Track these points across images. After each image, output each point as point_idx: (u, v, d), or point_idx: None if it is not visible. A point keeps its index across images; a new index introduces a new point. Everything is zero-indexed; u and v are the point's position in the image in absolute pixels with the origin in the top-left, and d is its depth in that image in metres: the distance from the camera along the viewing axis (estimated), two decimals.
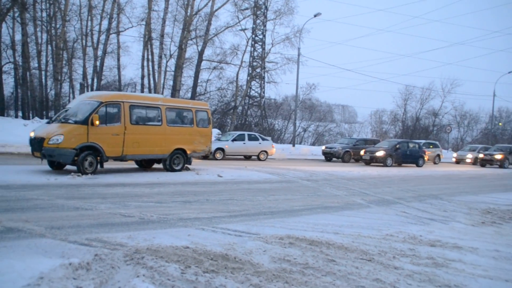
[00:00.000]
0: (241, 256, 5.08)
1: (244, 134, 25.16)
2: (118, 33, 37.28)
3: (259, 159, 25.00)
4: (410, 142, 28.79)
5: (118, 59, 38.46)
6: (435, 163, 32.25)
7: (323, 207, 9.38)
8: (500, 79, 67.52)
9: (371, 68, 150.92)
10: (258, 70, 46.27)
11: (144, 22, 36.16)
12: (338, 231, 6.92)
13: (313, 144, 50.99)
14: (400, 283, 4.58)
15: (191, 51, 39.34)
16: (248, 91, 46.18)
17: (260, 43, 46.48)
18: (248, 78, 45.45)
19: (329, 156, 28.78)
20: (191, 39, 37.07)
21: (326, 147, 29.95)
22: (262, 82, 46.96)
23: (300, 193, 11.41)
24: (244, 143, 24.33)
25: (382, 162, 25.15)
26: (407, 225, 7.89)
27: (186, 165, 15.27)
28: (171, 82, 37.86)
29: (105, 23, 36.63)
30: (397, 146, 26.31)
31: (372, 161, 25.59)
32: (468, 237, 7.15)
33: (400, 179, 17.02)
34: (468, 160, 34.72)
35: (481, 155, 32.99)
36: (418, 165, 26.84)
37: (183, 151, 14.96)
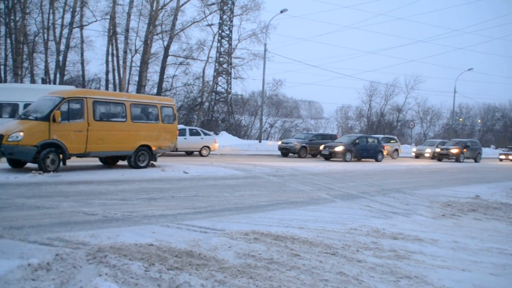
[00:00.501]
0: (206, 252, 5.07)
1: (185, 129, 23.74)
2: (81, 27, 36.47)
3: (201, 154, 24.00)
4: (369, 137, 28.84)
5: (82, 54, 37.70)
6: (393, 157, 32.45)
7: (288, 202, 9.44)
8: (461, 76, 69.50)
9: (337, 64, 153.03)
10: (224, 65, 46.20)
11: (108, 16, 35.50)
12: (303, 226, 6.98)
13: (280, 139, 51.26)
14: (363, 275, 4.66)
15: (157, 46, 38.96)
16: (215, 87, 46.06)
17: (227, 39, 46.39)
18: (215, 73, 45.32)
19: (285, 152, 28.11)
20: (156, 34, 36.65)
21: (282, 142, 29.26)
22: (229, 78, 46.93)
23: (266, 188, 11.46)
24: (185, 138, 23.02)
25: (341, 157, 24.99)
26: (371, 218, 8.03)
27: (151, 162, 15.10)
28: (136, 78, 37.39)
29: (67, 16, 35.80)
30: (356, 141, 26.28)
31: (331, 156, 25.38)
32: (429, 229, 7.34)
33: (364, 174, 17.29)
34: (427, 155, 35.26)
35: (438, 150, 33.53)
36: (377, 160, 26.81)
37: (149, 147, 14.78)
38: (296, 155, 27.53)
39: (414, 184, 14.54)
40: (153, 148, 14.92)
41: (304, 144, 27.68)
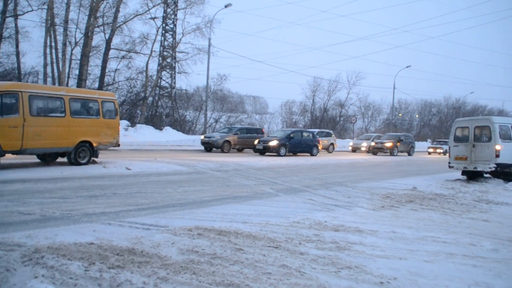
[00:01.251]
0: (149, 249, 5.00)
1: None
2: (15, 16, 34.66)
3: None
4: (304, 131, 28.99)
5: (17, 45, 35.83)
6: (329, 151, 32.75)
7: (232, 197, 9.47)
8: (400, 73, 72.19)
9: (281, 60, 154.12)
10: (168, 60, 45.55)
11: (46, 6, 33.91)
12: (247, 220, 7.03)
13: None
14: (305, 267, 4.75)
15: (98, 39, 37.78)
16: (159, 81, 45.34)
17: (171, 33, 45.76)
18: (159, 68, 44.57)
19: (208, 146, 26.97)
20: (98, 26, 35.54)
21: (205, 137, 27.99)
22: (173, 72, 46.32)
23: (210, 184, 11.44)
24: None
25: (275, 151, 24.80)
26: (314, 211, 8.19)
27: (92, 158, 14.69)
28: (77, 72, 36.08)
29: (0, 4, 33.88)
30: (291, 135, 26.18)
31: (266, 150, 25.13)
32: (369, 221, 7.57)
33: (308, 168, 17.62)
34: (363, 149, 36.03)
35: (372, 143, 34.51)
36: (312, 154, 26.94)
37: (89, 143, 14.36)
38: (219, 149, 26.45)
39: (356, 177, 14.97)
40: (94, 144, 14.51)
41: (227, 139, 26.70)
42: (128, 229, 6.14)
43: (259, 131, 29.49)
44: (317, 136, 30.05)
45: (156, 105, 46.59)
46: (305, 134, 27.78)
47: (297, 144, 26.28)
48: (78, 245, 4.95)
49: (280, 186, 11.54)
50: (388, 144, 33.10)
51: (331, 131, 36.99)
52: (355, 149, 36.95)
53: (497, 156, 14.12)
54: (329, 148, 33.06)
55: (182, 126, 45.06)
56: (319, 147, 28.19)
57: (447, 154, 37.44)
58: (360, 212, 8.41)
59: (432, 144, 46.61)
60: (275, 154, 24.94)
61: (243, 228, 6.37)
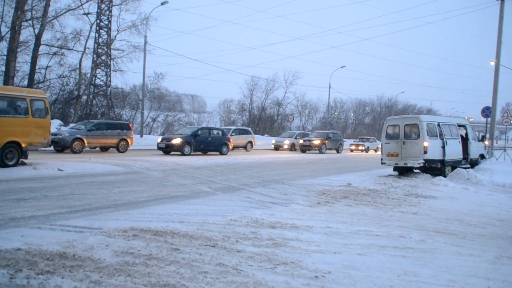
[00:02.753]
0: (81, 252, 4.84)
1: None
2: None
3: None
4: (213, 128, 27.81)
5: None
6: (247, 150, 31.81)
7: (169, 197, 9.35)
8: (335, 72, 74.23)
9: (219, 58, 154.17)
10: (103, 57, 44.24)
11: None
12: (184, 220, 6.96)
13: (162, 134, 50.43)
14: (242, 265, 4.77)
15: (27, 33, 35.85)
16: (93, 79, 43.93)
17: (106, 29, 44.47)
18: (93, 65, 43.15)
19: (57, 146, 22.17)
20: (26, 20, 33.72)
21: (53, 134, 20.71)
22: (108, 70, 45.05)
23: (147, 183, 11.22)
24: None
25: (179, 150, 23.20)
26: (251, 209, 8.24)
27: (21, 160, 13.99)
28: (3, 68, 34.12)
29: None
30: (198, 132, 24.83)
31: (169, 149, 23.38)
32: (305, 217, 7.71)
33: (246, 167, 17.70)
34: (285, 146, 35.36)
35: (301, 141, 33.76)
36: (221, 153, 25.74)
37: (17, 144, 13.67)
38: (68, 149, 22.00)
39: (293, 174, 15.21)
40: (23, 145, 13.82)
41: (79, 136, 22.06)
42: (59, 233, 5.90)
43: (125, 127, 25.13)
44: (230, 134, 29.36)
45: (90, 104, 45.14)
46: (214, 131, 26.50)
47: (204, 142, 24.92)
48: (4, 251, 4.71)
49: (217, 185, 11.52)
50: (316, 142, 32.86)
51: (249, 129, 35.98)
52: (277, 147, 36.24)
53: (425, 152, 14.81)
54: (247, 147, 32.06)
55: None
56: (230, 146, 26.68)
57: (370, 151, 38.92)
58: (297, 208, 8.55)
59: (354, 141, 46.70)
60: (179, 153, 23.36)
61: (180, 227, 6.30)
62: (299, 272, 4.63)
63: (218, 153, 25.78)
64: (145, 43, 36.08)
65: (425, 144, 14.82)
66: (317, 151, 32.89)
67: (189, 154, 23.39)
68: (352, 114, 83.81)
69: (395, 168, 16.67)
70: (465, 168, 16.12)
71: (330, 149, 34.50)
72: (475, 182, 13.77)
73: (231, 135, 29.45)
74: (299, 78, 68.46)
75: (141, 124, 39.06)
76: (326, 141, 33.59)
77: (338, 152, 35.34)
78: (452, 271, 4.93)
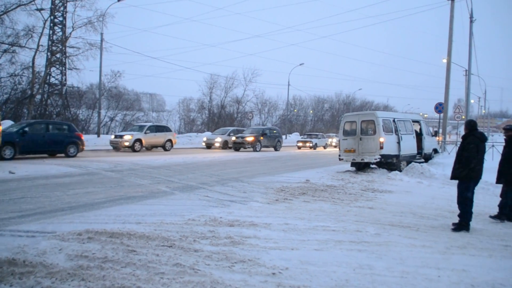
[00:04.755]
0: (32, 258, 4.69)
1: None
2: None
3: None
4: (54, 123, 22.22)
5: None
6: (166, 149, 27.98)
7: (126, 198, 9.18)
8: (294, 70, 74.98)
9: (177, 56, 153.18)
10: (58, 55, 42.84)
11: None
12: (141, 221, 6.85)
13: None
14: (199, 264, 4.74)
15: None
16: (47, 78, 42.54)
17: (60, 26, 43.05)
18: (47, 63, 41.70)
19: None
20: None
21: None
22: (63, 68, 43.67)
23: (103, 185, 10.99)
24: None
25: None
26: (209, 208, 8.20)
27: None
28: None
29: None
30: (25, 129, 18.34)
31: None
32: (263, 214, 7.75)
33: (205, 165, 17.61)
34: (217, 144, 32.69)
35: (233, 138, 31.33)
36: (68, 155, 19.62)
37: None
38: None
39: (252, 172, 15.24)
40: None
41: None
42: (9, 238, 5.69)
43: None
44: (145, 131, 26.43)
45: (45, 104, 43.71)
46: (53, 126, 19.95)
47: (36, 142, 18.55)
48: None
49: (176, 184, 11.41)
50: (250, 139, 30.11)
51: (168, 126, 32.70)
52: (209, 145, 33.24)
53: (381, 148, 15.14)
54: (165, 146, 28.04)
55: (74, 125, 42.70)
56: (82, 145, 20.41)
57: (319, 148, 38.71)
58: (255, 206, 8.58)
59: (302, 138, 43.90)
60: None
61: (137, 228, 6.21)
62: (256, 269, 4.64)
63: (63, 154, 19.75)
64: (102, 40, 35.25)
65: (381, 139, 15.14)
66: (251, 149, 30.38)
67: (11, 158, 17.35)
68: (311, 111, 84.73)
69: (353, 164, 16.96)
70: (420, 162, 16.62)
71: (266, 146, 32.11)
72: (428, 176, 14.20)
73: (145, 133, 26.56)
74: (258, 76, 68.84)
75: (98, 124, 38.19)
76: (262, 138, 31.03)
77: (276, 149, 32.80)
78: (405, 262, 5.07)
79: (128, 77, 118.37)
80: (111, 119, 52.18)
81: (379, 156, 15.21)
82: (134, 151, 25.37)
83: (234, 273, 4.51)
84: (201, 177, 13.13)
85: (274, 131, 34.24)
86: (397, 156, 15.90)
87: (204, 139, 34.58)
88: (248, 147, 30.41)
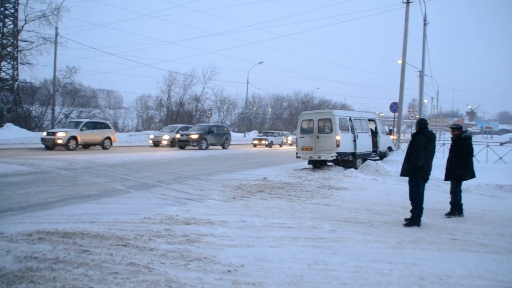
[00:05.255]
0: None
1: None
2: None
3: None
4: None
5: None
6: (105, 148, 25.91)
7: (80, 197, 8.96)
8: (253, 68, 75.02)
9: (135, 53, 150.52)
10: (9, 49, 41.22)
11: None
12: (95, 220, 6.71)
13: None
14: (154, 263, 4.69)
15: None
16: None
17: (12, 18, 41.41)
18: None
19: None
20: None
21: None
22: (15, 63, 42.07)
23: (56, 183, 10.68)
24: None
25: None
26: (166, 206, 8.12)
27: None
28: None
29: None
30: None
31: None
32: (220, 212, 7.74)
33: (163, 163, 17.42)
34: (164, 142, 31.14)
35: (177, 135, 29.84)
36: None
37: None
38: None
39: (210, 170, 15.19)
40: None
41: None
42: None
43: None
44: (81, 128, 24.39)
45: None
46: None
47: None
48: None
49: (132, 183, 11.24)
50: (195, 136, 28.72)
51: (107, 122, 29.79)
52: (156, 143, 31.67)
53: (338, 146, 15.40)
54: (104, 144, 25.90)
55: (27, 122, 41.24)
56: None
57: (274, 146, 38.79)
58: (212, 204, 8.56)
59: (257, 136, 43.18)
60: None
61: (90, 228, 6.08)
62: (212, 267, 4.64)
63: None
64: (56, 34, 34.22)
65: (338, 138, 15.39)
66: (196, 147, 28.93)
67: None
68: (270, 109, 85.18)
69: (310, 162, 17.16)
70: (375, 160, 17.00)
71: (213, 144, 30.68)
72: (383, 173, 14.54)
73: (81, 130, 24.57)
74: (217, 74, 68.32)
75: (52, 121, 37.07)
76: (208, 135, 29.82)
77: (224, 148, 31.51)
78: (359, 257, 5.18)
79: (85, 73, 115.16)
80: (66, 116, 50.63)
81: (336, 154, 15.45)
82: (69, 149, 23.41)
83: (189, 271, 4.49)
84: (157, 175, 12.97)
85: (223, 128, 33.26)
86: (353, 154, 16.21)
87: (151, 136, 32.85)
88: (194, 145, 28.91)
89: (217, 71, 66.89)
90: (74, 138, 24.01)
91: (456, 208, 8.18)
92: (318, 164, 16.97)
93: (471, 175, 8.35)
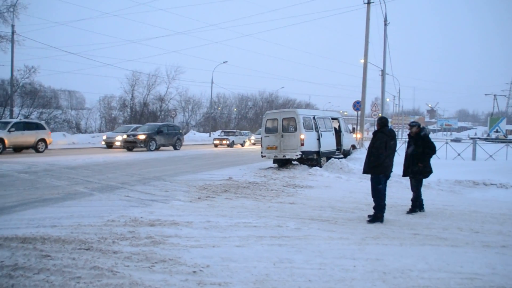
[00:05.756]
0: None
1: None
2: None
3: None
4: None
5: None
6: (39, 151, 23.50)
7: (41, 200, 8.73)
8: (217, 68, 74.67)
9: (98, 52, 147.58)
10: None
11: None
12: (57, 224, 6.55)
13: None
14: (118, 266, 4.62)
15: None
16: None
17: None
18: None
19: None
20: None
21: None
22: None
23: (15, 187, 10.36)
24: None
25: None
26: (130, 208, 8.01)
27: None
28: None
29: None
30: None
31: None
32: (185, 213, 7.69)
33: (126, 164, 17.17)
34: (118, 143, 29.22)
35: (124, 136, 27.94)
36: None
37: None
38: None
39: (175, 171, 15.07)
40: None
41: None
42: None
43: None
44: (9, 129, 21.87)
45: None
46: None
47: None
48: None
49: (95, 185, 11.02)
50: (142, 137, 27.01)
51: (41, 122, 26.21)
52: (109, 145, 30.00)
53: (302, 144, 15.54)
54: (37, 146, 23.52)
55: None
56: None
57: (236, 146, 38.48)
58: (177, 205, 8.49)
59: (218, 135, 42.27)
60: None
61: (52, 232, 5.94)
62: (177, 268, 4.61)
63: None
64: (13, 33, 33.18)
65: (302, 136, 15.53)
66: (145, 148, 27.21)
67: None
68: (235, 109, 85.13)
69: (275, 161, 17.26)
70: (339, 158, 17.25)
71: (164, 145, 29.12)
72: (347, 171, 14.76)
73: (9, 131, 21.98)
74: (181, 73, 67.42)
75: None
76: (158, 135, 28.18)
77: (175, 148, 29.95)
78: (323, 255, 5.24)
79: (45, 73, 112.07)
80: (26, 117, 49.25)
81: (300, 153, 15.59)
82: None
83: (154, 273, 4.45)
84: (121, 177, 12.78)
85: (174, 128, 31.42)
86: (317, 152, 16.39)
87: (104, 137, 30.83)
88: (141, 146, 27.13)
89: (181, 71, 66.16)
90: (1, 140, 21.52)
91: (417, 205, 8.38)
92: (283, 163, 17.08)
93: (431, 171, 8.56)
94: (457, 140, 30.43)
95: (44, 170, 14.00)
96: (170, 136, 29.74)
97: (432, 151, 8.53)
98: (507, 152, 19.44)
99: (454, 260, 5.13)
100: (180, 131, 32.27)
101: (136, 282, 4.16)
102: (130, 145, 27.39)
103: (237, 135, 40.48)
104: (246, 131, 49.51)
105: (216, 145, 37.38)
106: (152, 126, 29.89)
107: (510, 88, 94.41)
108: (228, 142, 37.61)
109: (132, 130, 29.93)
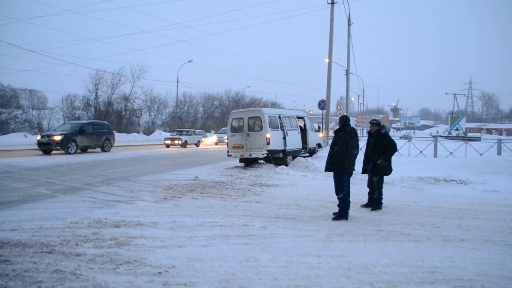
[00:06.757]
0: None
1: None
2: None
3: None
4: None
5: None
6: None
7: (0, 203, 8.48)
8: (183, 67, 74.06)
9: (59, 50, 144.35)
10: None
11: None
12: (17, 227, 6.38)
13: None
14: (82, 269, 4.55)
15: None
16: None
17: None
18: None
19: None
20: None
21: None
22: None
23: None
24: None
25: None
26: (94, 209, 7.87)
27: None
28: None
29: None
30: None
31: None
32: (150, 213, 7.62)
33: (90, 165, 16.85)
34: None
35: (38, 137, 24.48)
36: None
37: None
38: None
39: (140, 171, 14.89)
40: None
41: None
42: None
43: None
44: None
45: None
46: None
47: None
48: None
49: (58, 186, 10.77)
50: (58, 138, 23.18)
51: None
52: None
53: (268, 143, 15.61)
54: None
55: None
56: None
57: (190, 146, 37.21)
58: (142, 205, 8.41)
59: (170, 135, 39.50)
60: None
61: (12, 236, 5.78)
62: (142, 269, 4.57)
63: None
64: None
65: (268, 135, 15.60)
66: (63, 151, 23.48)
67: None
68: (201, 108, 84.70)
69: (241, 160, 17.26)
70: (305, 156, 17.41)
71: (88, 147, 25.42)
72: (313, 169, 14.93)
73: None
74: (147, 72, 66.85)
75: None
76: (79, 136, 24.34)
77: (104, 150, 26.26)
78: (289, 252, 5.29)
79: (3, 72, 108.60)
80: None
81: (266, 152, 15.65)
82: None
83: (119, 275, 4.40)
84: (85, 178, 12.54)
85: (102, 127, 26.99)
86: (283, 151, 16.49)
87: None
88: (58, 149, 23.17)
89: (146, 70, 65.56)
90: None
91: (377, 201, 8.51)
92: (249, 162, 17.11)
93: (391, 169, 8.73)
94: (406, 137, 31.73)
95: (3, 172, 13.59)
96: (97, 136, 25.78)
97: (394, 149, 8.71)
98: (466, 149, 20.09)
99: (416, 255, 5.27)
100: (110, 129, 27.95)
101: (100, 284, 4.11)
102: (45, 147, 23.36)
103: (190, 135, 37.85)
104: (200, 130, 47.95)
105: (168, 145, 34.99)
106: (73, 125, 25.86)
107: (468, 87, 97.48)
108: (180, 142, 35.16)
109: (58, 129, 26.15)
